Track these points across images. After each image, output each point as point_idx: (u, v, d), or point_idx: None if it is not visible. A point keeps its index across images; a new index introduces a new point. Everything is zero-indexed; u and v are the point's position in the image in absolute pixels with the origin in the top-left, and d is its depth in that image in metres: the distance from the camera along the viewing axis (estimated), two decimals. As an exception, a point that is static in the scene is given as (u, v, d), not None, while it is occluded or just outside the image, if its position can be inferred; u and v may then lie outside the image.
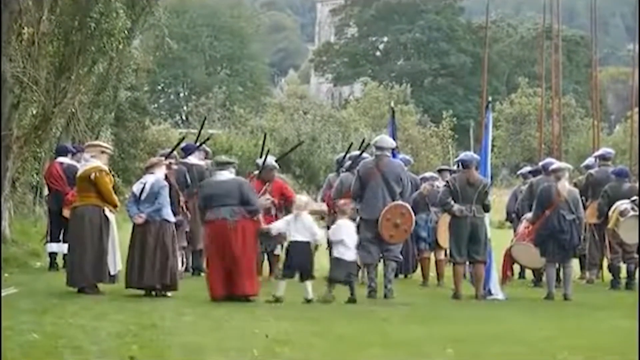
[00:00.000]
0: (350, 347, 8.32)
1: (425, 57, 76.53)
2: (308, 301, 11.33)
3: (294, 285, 11.74)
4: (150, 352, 7.74)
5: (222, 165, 11.86)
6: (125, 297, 11.41)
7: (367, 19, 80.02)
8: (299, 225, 11.51)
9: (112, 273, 11.72)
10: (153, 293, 11.59)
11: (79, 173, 12.21)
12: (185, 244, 13.92)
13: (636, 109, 20.97)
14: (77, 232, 11.80)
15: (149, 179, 11.78)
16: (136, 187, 11.85)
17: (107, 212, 11.82)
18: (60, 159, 15.15)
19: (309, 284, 11.43)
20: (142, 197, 11.67)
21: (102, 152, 12.12)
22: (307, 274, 11.45)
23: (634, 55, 26.54)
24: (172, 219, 11.88)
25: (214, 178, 11.99)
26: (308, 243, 11.50)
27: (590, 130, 30.41)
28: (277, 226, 11.85)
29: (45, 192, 16.88)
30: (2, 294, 10.50)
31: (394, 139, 14.35)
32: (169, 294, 11.63)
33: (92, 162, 11.97)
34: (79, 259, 11.67)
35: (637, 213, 13.88)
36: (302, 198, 12.09)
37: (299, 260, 11.44)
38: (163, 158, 12.74)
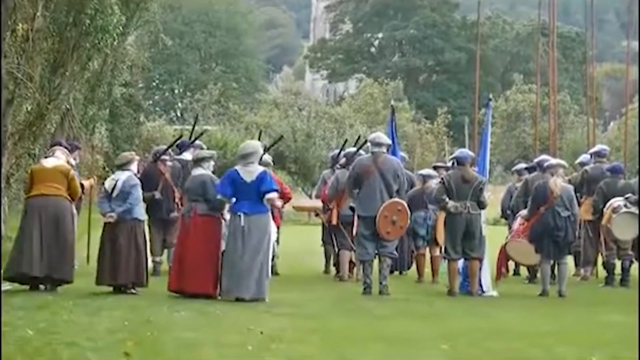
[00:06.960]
0: (345, 343, 8.31)
1: (420, 54, 76.43)
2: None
3: (288, 282, 11.74)
4: (145, 348, 7.73)
5: (198, 161, 11.76)
6: (120, 293, 11.40)
7: (362, 15, 79.93)
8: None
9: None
10: (123, 290, 11.47)
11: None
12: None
13: (633, 106, 21.02)
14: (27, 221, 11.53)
15: (121, 176, 11.59)
16: (108, 184, 11.66)
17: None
18: (55, 155, 15.10)
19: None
20: (114, 195, 11.51)
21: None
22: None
23: (629, 52, 26.61)
24: (143, 217, 11.79)
25: (192, 173, 11.91)
26: None
27: (585, 127, 30.39)
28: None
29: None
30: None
31: (394, 137, 14.31)
32: (136, 290, 11.51)
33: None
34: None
35: (630, 210, 13.90)
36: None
37: None
38: (134, 154, 12.45)
